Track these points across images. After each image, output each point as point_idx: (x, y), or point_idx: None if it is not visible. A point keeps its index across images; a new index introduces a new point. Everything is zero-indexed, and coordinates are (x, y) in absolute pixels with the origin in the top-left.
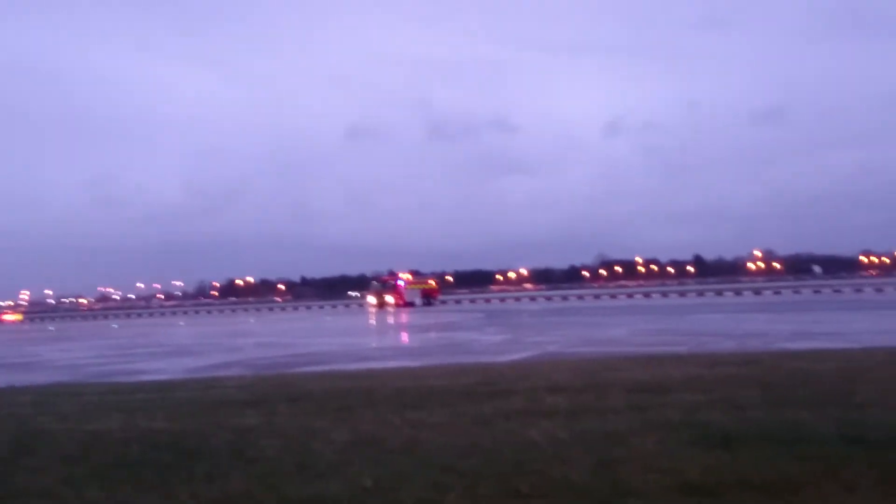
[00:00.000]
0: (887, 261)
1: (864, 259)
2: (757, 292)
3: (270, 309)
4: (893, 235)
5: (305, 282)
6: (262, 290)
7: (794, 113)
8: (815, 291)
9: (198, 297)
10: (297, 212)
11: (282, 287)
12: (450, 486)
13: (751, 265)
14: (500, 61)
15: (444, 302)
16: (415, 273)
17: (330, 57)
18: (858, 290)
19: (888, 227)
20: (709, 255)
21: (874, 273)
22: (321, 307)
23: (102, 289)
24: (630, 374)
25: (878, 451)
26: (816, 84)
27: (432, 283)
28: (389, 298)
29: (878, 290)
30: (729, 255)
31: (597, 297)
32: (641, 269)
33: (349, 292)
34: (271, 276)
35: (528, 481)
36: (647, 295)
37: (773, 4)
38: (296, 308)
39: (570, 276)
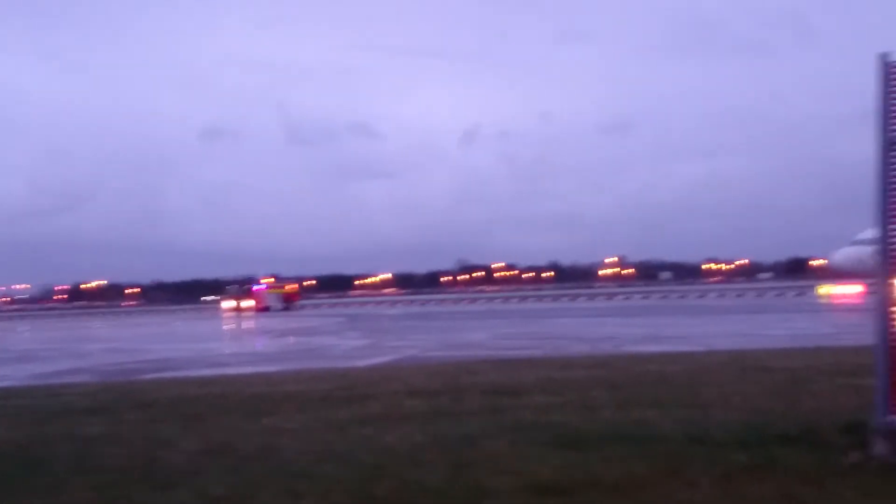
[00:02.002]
0: (730, 267)
1: (708, 266)
2: (609, 297)
3: (121, 314)
4: (735, 244)
5: (159, 286)
6: (113, 294)
7: (641, 125)
8: (663, 297)
9: (43, 301)
10: (150, 214)
11: (133, 291)
12: (304, 493)
13: (604, 271)
14: (358, 66)
15: (304, 306)
16: (274, 277)
17: (182, 57)
18: (702, 296)
19: (730, 236)
20: (565, 261)
21: (718, 279)
22: (175, 312)
23: None
24: (487, 377)
25: (718, 450)
26: (662, 98)
27: (292, 287)
28: (247, 303)
29: (721, 296)
30: (584, 262)
31: (457, 301)
32: (500, 274)
33: (205, 297)
34: (122, 280)
35: (384, 486)
36: (505, 300)
37: (622, 21)
38: (148, 313)
39: (431, 281)
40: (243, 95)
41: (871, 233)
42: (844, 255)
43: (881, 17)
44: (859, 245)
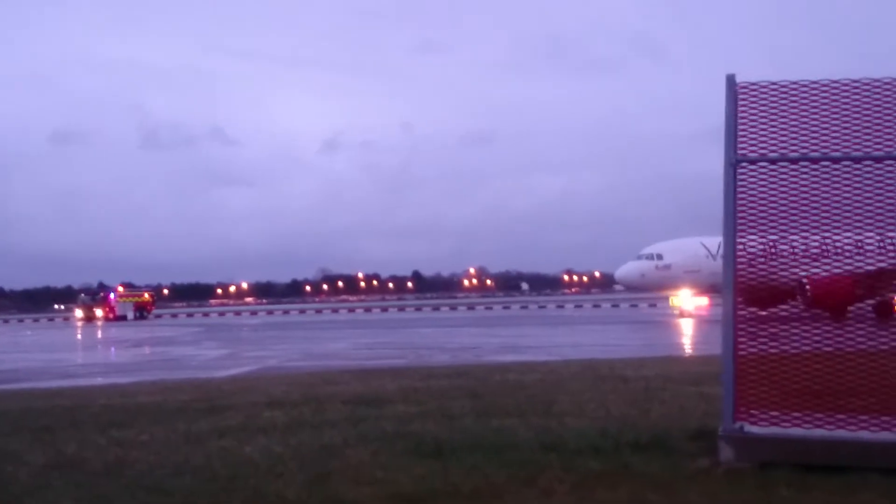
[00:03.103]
0: (586, 279)
1: (566, 277)
2: (471, 307)
3: None
4: (592, 256)
5: (3, 293)
6: None
7: (502, 138)
8: (523, 307)
9: None
10: None
11: None
12: None
13: (466, 281)
14: (217, 71)
15: (159, 315)
16: (128, 285)
17: (30, 56)
18: (560, 307)
19: (588, 248)
20: (427, 271)
21: (575, 290)
22: (21, 321)
23: None
24: (348, 387)
25: (573, 457)
26: (521, 112)
27: (146, 295)
28: (99, 312)
29: (578, 307)
30: (446, 272)
31: (319, 311)
32: (363, 283)
33: (54, 305)
34: None
35: (241, 498)
36: (367, 309)
37: (485, 35)
38: None
39: (292, 290)
40: (96, 97)
41: (653, 248)
42: (627, 269)
43: (728, 40)
44: (642, 260)
